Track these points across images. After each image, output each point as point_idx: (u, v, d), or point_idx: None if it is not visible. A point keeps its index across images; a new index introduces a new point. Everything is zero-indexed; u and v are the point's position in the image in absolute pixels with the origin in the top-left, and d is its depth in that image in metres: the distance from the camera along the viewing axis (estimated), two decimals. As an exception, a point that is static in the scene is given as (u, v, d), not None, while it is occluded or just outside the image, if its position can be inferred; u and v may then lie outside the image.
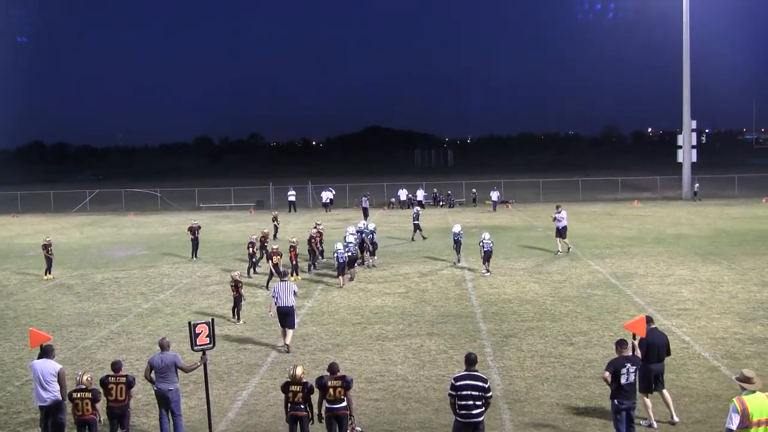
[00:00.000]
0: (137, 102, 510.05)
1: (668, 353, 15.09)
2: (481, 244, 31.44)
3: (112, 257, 39.37)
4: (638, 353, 13.94)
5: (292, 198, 65.40)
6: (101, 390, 14.07)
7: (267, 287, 28.84)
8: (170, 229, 51.44)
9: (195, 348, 15.25)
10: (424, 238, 42.25)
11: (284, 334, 20.90)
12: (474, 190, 69.22)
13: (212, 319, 15.96)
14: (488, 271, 31.29)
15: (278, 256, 29.05)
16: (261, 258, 33.62)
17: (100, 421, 13.99)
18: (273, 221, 44.72)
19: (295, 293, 21.09)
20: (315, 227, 34.64)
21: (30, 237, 49.24)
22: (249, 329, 23.13)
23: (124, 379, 13.90)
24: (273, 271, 28.76)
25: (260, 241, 34.42)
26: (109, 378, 13.87)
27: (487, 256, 31.34)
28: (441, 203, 67.56)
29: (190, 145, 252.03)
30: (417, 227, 42.70)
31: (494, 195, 62.73)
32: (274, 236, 42.61)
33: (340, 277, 29.80)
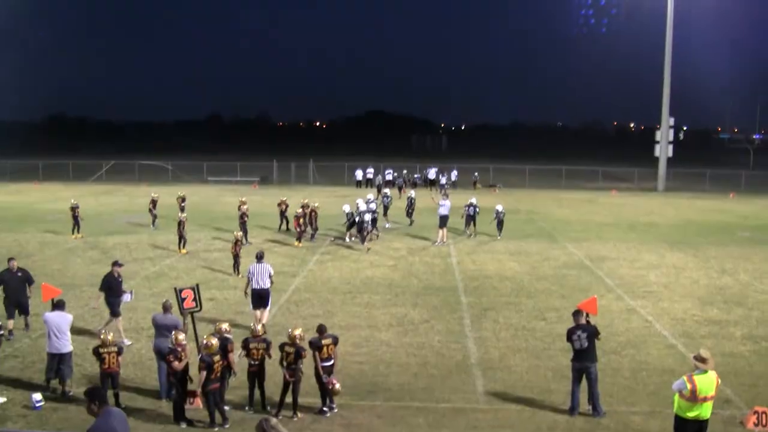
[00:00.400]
0: (155, 80, 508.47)
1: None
2: (495, 213, 35.11)
3: (123, 224, 39.56)
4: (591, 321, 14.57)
5: (366, 176, 67.10)
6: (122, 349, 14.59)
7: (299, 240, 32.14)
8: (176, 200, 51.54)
9: (183, 311, 15.58)
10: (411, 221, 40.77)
11: (259, 318, 18.88)
12: (476, 173, 69.22)
13: (197, 284, 16.24)
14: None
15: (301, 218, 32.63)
16: (282, 223, 36.77)
17: (119, 372, 14.40)
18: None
19: (270, 276, 19.67)
20: (302, 207, 34.65)
21: (50, 203, 49.36)
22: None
23: (115, 349, 14.21)
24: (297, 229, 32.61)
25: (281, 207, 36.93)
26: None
27: (499, 225, 35.17)
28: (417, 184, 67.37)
29: (201, 123, 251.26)
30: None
31: (443, 179, 62.65)
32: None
33: (365, 242, 31.93)
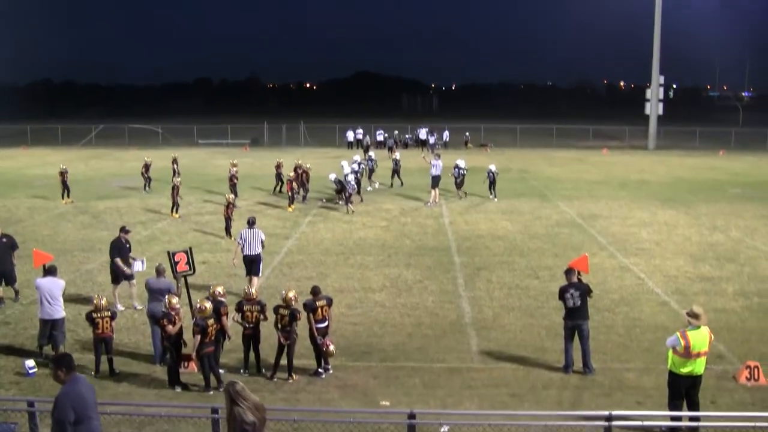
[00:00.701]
0: (143, 43, 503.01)
1: None
2: (488, 174, 34.66)
3: (114, 188, 39.28)
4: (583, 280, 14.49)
5: (356, 137, 66.34)
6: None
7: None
8: (169, 163, 51.14)
9: (176, 275, 15.45)
10: (391, 185, 39.43)
11: (250, 282, 18.25)
12: (467, 134, 68.93)
13: (190, 247, 16.08)
14: (495, 196, 34.32)
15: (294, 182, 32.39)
16: (278, 185, 36.68)
17: (113, 338, 14.28)
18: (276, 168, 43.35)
19: (262, 241, 19.15)
20: (294, 170, 34.42)
21: (39, 168, 48.94)
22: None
23: (108, 314, 14.06)
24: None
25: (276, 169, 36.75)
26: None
27: (492, 185, 34.74)
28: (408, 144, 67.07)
29: (191, 85, 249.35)
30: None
31: (432, 138, 62.53)
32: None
33: (349, 204, 31.45)
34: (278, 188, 36.58)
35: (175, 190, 30.35)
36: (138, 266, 18.12)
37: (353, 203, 31.95)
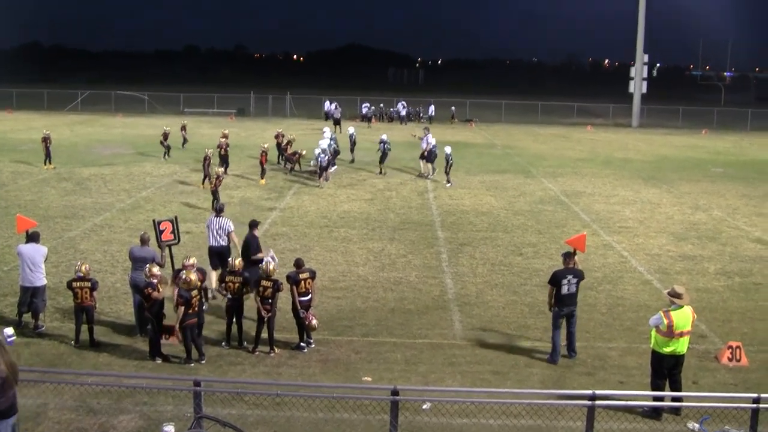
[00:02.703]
0: (131, 9, 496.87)
1: None
2: (446, 157, 31.64)
3: (99, 155, 38.72)
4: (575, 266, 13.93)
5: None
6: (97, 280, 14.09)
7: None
8: (155, 131, 50.45)
9: (161, 244, 15.10)
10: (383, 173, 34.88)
11: (217, 276, 15.39)
12: (453, 107, 68.56)
13: (176, 216, 15.73)
14: (449, 182, 31.35)
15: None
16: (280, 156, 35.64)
17: (95, 308, 13.93)
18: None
19: (229, 233, 16.42)
20: (276, 137, 33.90)
21: (23, 132, 48.20)
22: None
23: (88, 284, 13.69)
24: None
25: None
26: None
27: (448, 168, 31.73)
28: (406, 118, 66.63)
29: (178, 53, 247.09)
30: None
31: (404, 111, 61.66)
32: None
33: (321, 178, 30.53)
34: (280, 159, 35.39)
35: (207, 160, 29.24)
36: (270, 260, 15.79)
37: (322, 178, 30.79)
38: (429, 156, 33.27)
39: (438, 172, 33.12)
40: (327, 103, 65.15)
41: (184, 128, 42.19)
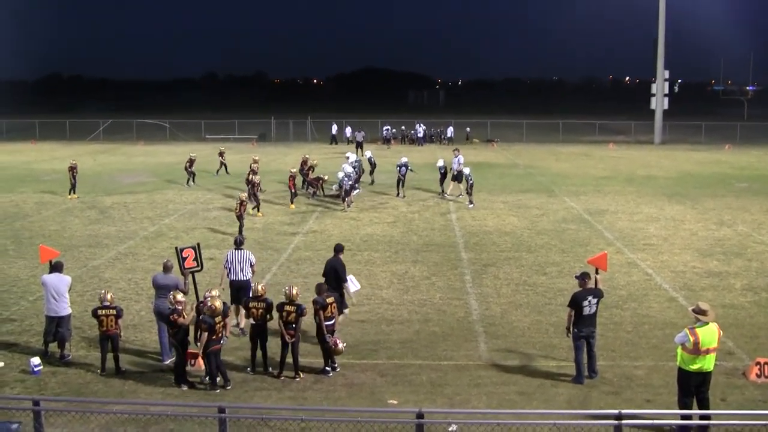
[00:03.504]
0: (151, 38, 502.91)
1: None
2: (466, 178, 31.80)
3: (121, 183, 39.16)
4: (600, 286, 13.95)
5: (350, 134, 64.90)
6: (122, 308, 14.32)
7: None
8: (177, 158, 51.02)
9: (184, 271, 15.21)
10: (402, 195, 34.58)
11: (238, 312, 15.97)
12: (468, 128, 68.74)
13: (198, 244, 15.86)
14: (471, 203, 31.41)
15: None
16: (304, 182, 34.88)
17: (121, 336, 14.10)
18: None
19: (252, 265, 16.29)
20: (301, 164, 34.18)
21: (47, 163, 48.87)
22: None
23: (113, 311, 13.87)
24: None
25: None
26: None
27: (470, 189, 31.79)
28: (432, 138, 67.02)
29: (198, 81, 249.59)
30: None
31: (359, 135, 59.07)
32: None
33: (344, 202, 30.71)
34: (303, 184, 34.84)
35: (255, 187, 29.72)
36: (352, 286, 16.33)
37: (346, 202, 30.88)
38: (458, 176, 33.49)
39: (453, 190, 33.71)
40: (335, 127, 65.57)
41: (221, 155, 42.79)
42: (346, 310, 16.10)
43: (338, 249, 16.25)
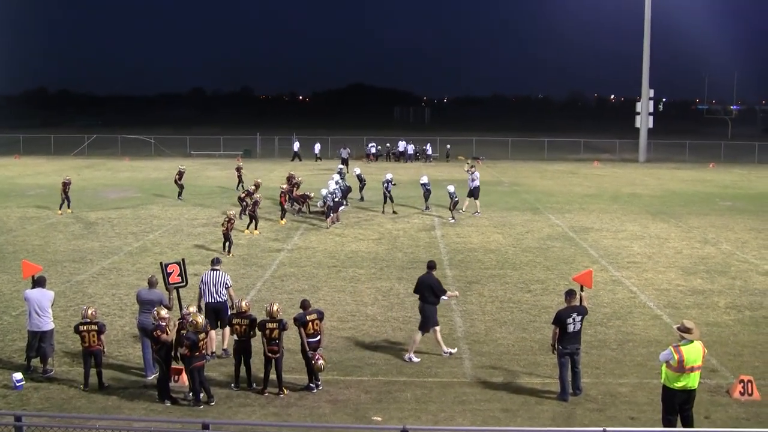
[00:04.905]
0: (136, 53, 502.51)
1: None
2: (450, 195, 32.11)
3: (106, 199, 39.03)
4: (585, 303, 14.05)
5: (296, 148, 64.80)
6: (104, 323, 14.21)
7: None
8: (162, 174, 50.96)
9: (168, 286, 15.21)
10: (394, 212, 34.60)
11: (223, 337, 15.61)
12: (448, 145, 69.04)
13: (183, 259, 15.85)
14: (453, 218, 31.61)
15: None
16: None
17: (104, 351, 14.01)
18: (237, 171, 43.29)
19: (227, 287, 15.70)
20: (288, 180, 34.27)
21: (31, 177, 48.67)
22: (233, 267, 22.80)
23: (95, 327, 13.81)
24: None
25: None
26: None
27: (453, 205, 32.26)
28: (417, 156, 67.09)
29: (184, 96, 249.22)
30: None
31: (344, 152, 57.85)
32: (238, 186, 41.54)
33: (328, 219, 30.54)
34: (289, 201, 33.98)
35: (256, 204, 29.40)
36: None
37: (331, 219, 30.72)
38: (474, 192, 33.91)
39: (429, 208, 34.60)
40: (296, 144, 65.09)
41: (239, 169, 42.74)
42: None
43: (431, 266, 16.11)
